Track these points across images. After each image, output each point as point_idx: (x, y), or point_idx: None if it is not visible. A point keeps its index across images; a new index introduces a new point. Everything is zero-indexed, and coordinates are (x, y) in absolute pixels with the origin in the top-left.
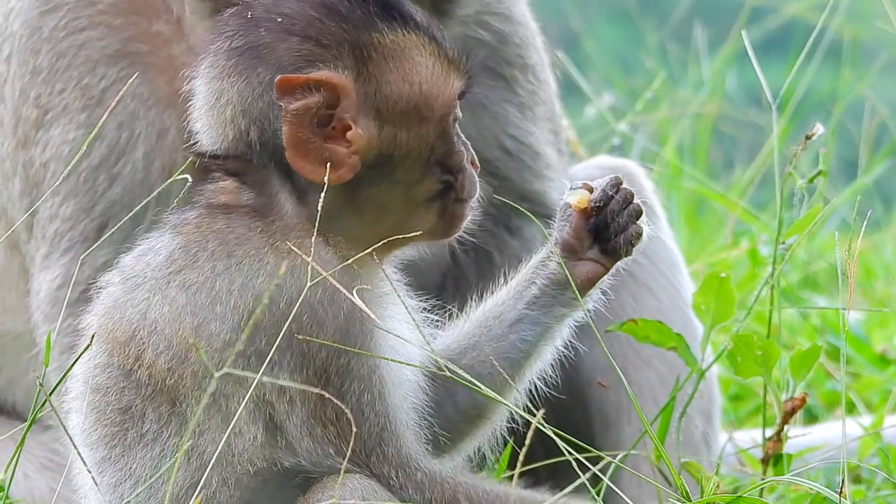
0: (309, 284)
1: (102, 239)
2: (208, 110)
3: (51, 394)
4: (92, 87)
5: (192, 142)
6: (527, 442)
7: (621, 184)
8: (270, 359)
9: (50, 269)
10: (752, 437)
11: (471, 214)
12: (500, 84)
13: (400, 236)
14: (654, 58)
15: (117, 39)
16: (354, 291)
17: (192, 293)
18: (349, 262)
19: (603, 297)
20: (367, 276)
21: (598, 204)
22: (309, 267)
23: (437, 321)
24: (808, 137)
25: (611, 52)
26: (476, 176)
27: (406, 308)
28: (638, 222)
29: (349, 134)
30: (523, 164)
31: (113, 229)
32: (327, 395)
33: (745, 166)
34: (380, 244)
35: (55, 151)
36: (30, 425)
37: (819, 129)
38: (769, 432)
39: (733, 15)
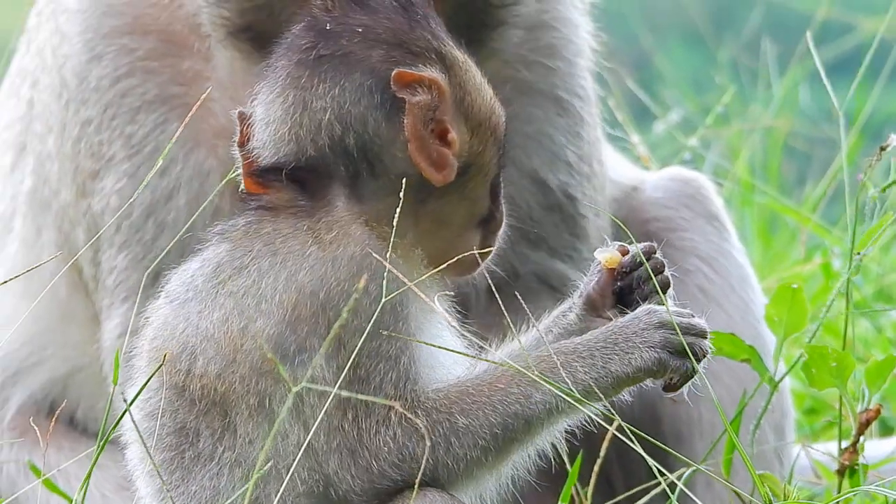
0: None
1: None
2: (284, 121)
3: (122, 415)
4: (133, 136)
5: (249, 155)
6: (602, 452)
7: (654, 252)
8: (309, 347)
9: (111, 318)
10: (826, 449)
11: (495, 248)
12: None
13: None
14: (724, 74)
15: (155, 84)
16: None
17: (240, 296)
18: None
19: None
20: (412, 278)
21: (625, 269)
22: (344, 255)
23: (471, 335)
24: (882, 149)
25: (682, 69)
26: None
27: (444, 314)
28: (664, 295)
29: (449, 136)
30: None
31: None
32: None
33: (817, 181)
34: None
35: (107, 203)
36: (102, 446)
37: (893, 139)
38: (844, 444)
39: (805, 30)
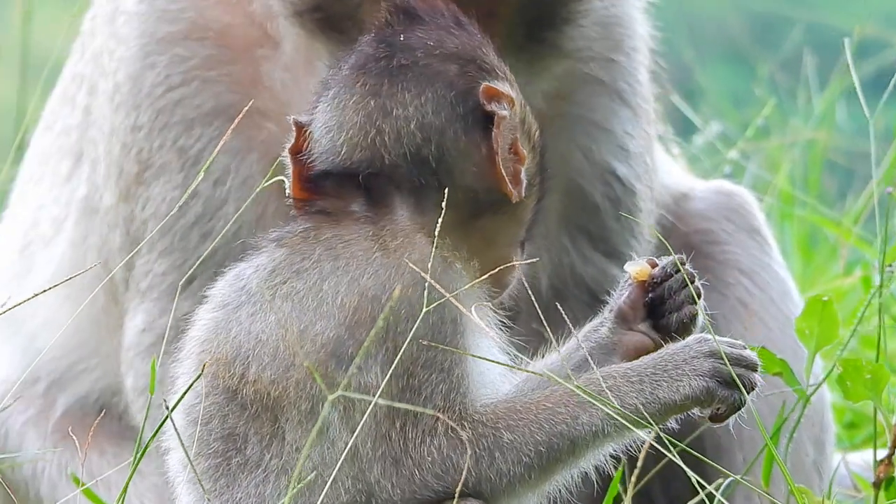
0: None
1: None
2: (362, 127)
3: (163, 421)
4: (188, 148)
5: (303, 161)
6: (639, 463)
7: (684, 263)
8: (366, 352)
9: (135, 316)
10: (864, 459)
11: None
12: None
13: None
14: (764, 88)
15: (211, 95)
16: (455, 294)
17: (299, 299)
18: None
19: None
20: (466, 291)
21: (656, 280)
22: (413, 265)
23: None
24: None
25: (723, 84)
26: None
27: (492, 329)
28: (695, 306)
29: (521, 152)
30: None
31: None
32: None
33: (857, 195)
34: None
35: (154, 210)
36: (142, 454)
37: None
38: (880, 455)
39: (844, 46)
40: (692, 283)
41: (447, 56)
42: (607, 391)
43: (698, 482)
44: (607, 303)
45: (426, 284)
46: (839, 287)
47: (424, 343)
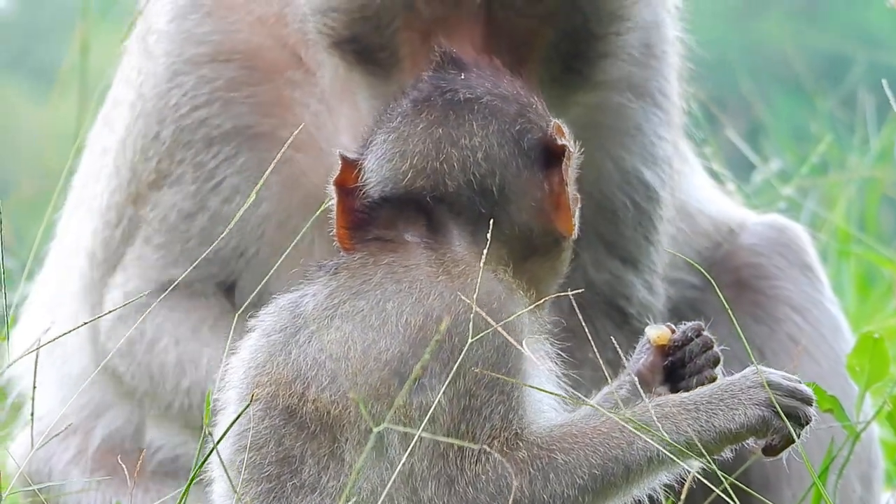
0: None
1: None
2: (426, 155)
3: (211, 451)
4: (205, 164)
5: (352, 191)
6: (683, 494)
7: (703, 329)
8: (429, 372)
9: (115, 286)
10: None
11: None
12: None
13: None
14: (824, 124)
15: (232, 115)
16: (516, 321)
17: (361, 319)
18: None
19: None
20: (525, 318)
21: (676, 343)
22: (477, 289)
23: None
24: None
25: (785, 119)
26: None
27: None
28: (714, 370)
29: (574, 194)
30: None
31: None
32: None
33: None
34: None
35: (163, 214)
36: (188, 485)
37: None
38: None
39: None
40: (712, 348)
41: (506, 98)
42: (664, 418)
43: None
44: (622, 309)
45: (491, 308)
46: (894, 325)
47: (489, 364)
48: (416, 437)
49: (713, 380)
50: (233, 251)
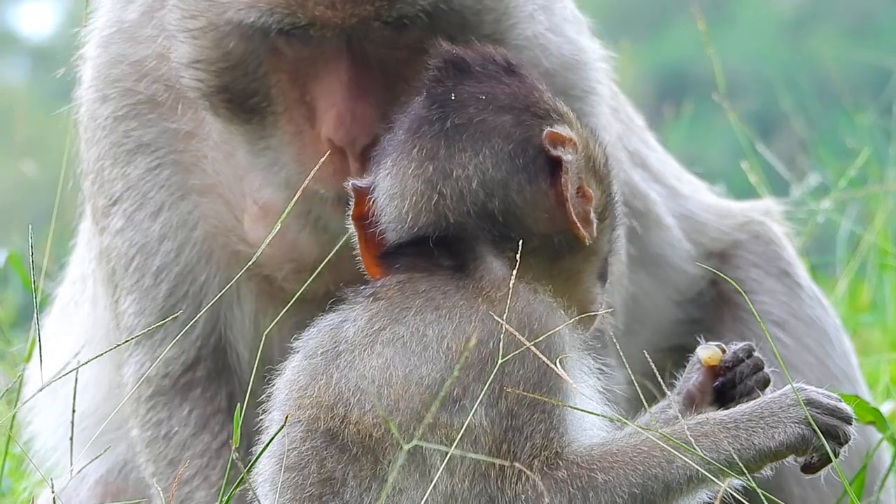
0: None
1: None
2: (423, 193)
3: (248, 468)
4: (129, 176)
5: (371, 229)
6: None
7: (754, 351)
8: (469, 395)
9: (128, 363)
10: None
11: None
12: None
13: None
14: (862, 138)
15: (151, 130)
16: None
17: (401, 345)
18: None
19: None
20: (566, 335)
21: (727, 364)
22: (515, 311)
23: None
24: None
25: (824, 134)
26: None
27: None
28: (764, 392)
29: (588, 193)
30: None
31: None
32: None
33: None
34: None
35: (110, 241)
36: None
37: None
38: None
39: None
40: (761, 369)
41: (501, 107)
42: (703, 436)
43: None
44: None
45: (532, 329)
46: None
47: (530, 385)
48: (448, 455)
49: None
50: (181, 275)
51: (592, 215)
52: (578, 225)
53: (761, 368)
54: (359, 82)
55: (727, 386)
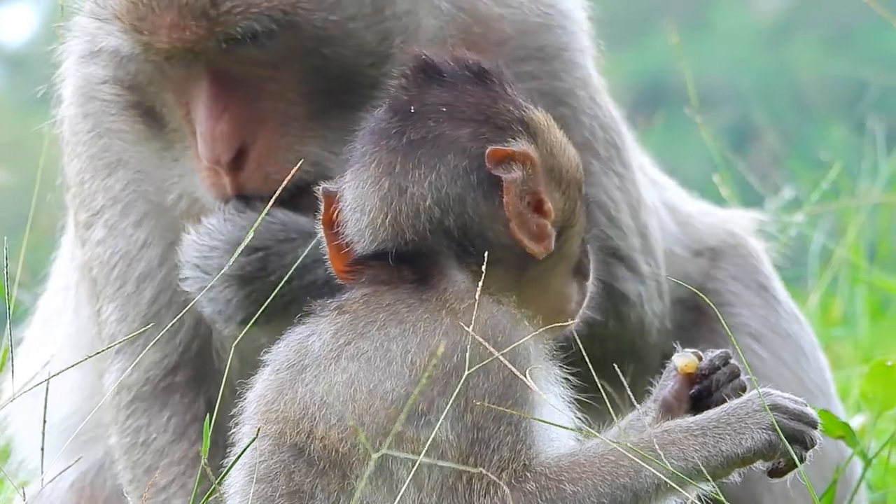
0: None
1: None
2: (381, 209)
3: (220, 480)
4: (111, 188)
5: (338, 239)
6: None
7: (730, 358)
8: (435, 409)
9: (109, 371)
10: None
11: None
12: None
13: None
14: (835, 152)
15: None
16: (522, 351)
17: (366, 360)
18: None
19: None
20: (531, 346)
21: (704, 372)
22: (479, 324)
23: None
24: None
25: (797, 147)
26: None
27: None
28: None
29: (545, 207)
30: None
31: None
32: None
33: None
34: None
35: (92, 252)
36: None
37: None
38: None
39: None
40: (738, 376)
41: (461, 120)
42: (671, 444)
43: None
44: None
45: (496, 341)
46: None
47: (495, 397)
48: (415, 468)
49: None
50: (162, 285)
51: (550, 229)
52: (525, 242)
53: (737, 376)
54: (217, 102)
55: (703, 394)
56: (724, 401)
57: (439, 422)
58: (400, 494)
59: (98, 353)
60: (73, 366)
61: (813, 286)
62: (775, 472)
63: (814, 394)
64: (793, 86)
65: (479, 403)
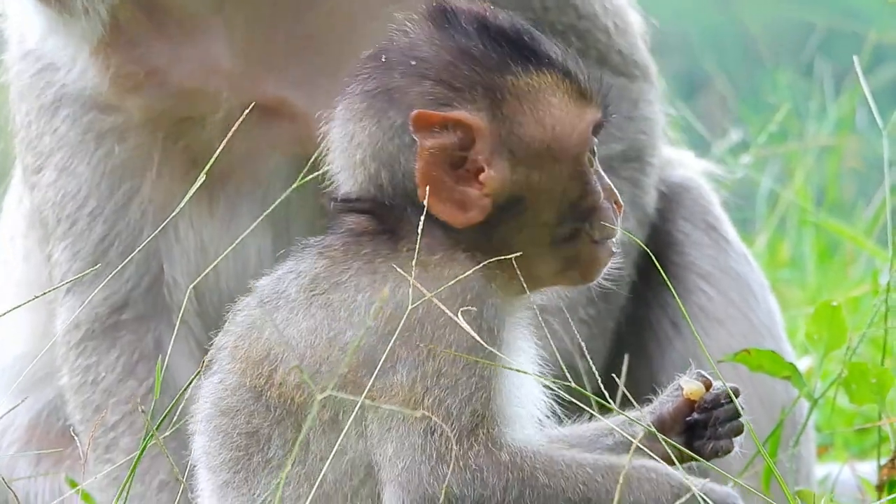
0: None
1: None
2: (341, 153)
3: (158, 425)
4: (58, 128)
5: (328, 183)
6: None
7: (738, 395)
8: (397, 359)
9: (59, 312)
10: (872, 468)
11: (611, 258)
12: None
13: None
14: (783, 94)
15: (71, 87)
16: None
17: (333, 309)
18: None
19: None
20: (507, 304)
21: (706, 405)
22: (447, 278)
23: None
24: None
25: (743, 90)
26: (613, 214)
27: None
28: (734, 439)
29: (482, 176)
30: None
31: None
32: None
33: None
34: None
35: (43, 195)
36: (139, 458)
37: None
38: (884, 460)
39: (860, 51)
40: (738, 417)
41: (421, 77)
42: (647, 482)
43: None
44: None
45: (464, 298)
46: (859, 296)
47: (462, 349)
48: (358, 404)
49: (728, 451)
50: (121, 221)
51: (478, 198)
52: (437, 209)
53: (738, 416)
54: None
55: (699, 424)
56: (717, 438)
57: (379, 365)
58: (340, 440)
59: (48, 291)
60: (24, 304)
61: (760, 229)
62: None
63: (762, 334)
64: (740, 31)
65: (442, 351)
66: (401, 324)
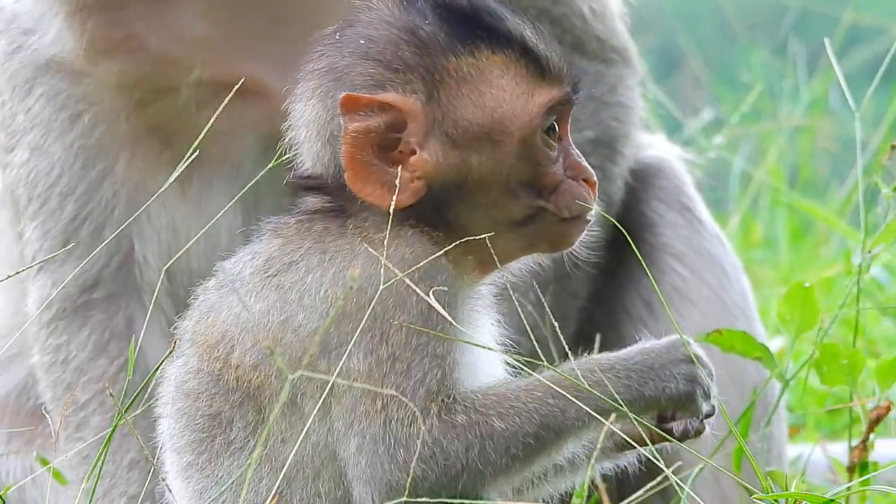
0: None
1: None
2: (296, 130)
3: (130, 405)
4: (31, 107)
5: (290, 158)
6: (599, 445)
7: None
8: (348, 342)
9: (31, 292)
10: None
11: (584, 230)
12: None
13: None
14: (756, 74)
15: (45, 54)
16: (436, 289)
17: (285, 290)
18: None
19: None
20: (460, 279)
21: None
22: (395, 255)
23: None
24: (893, 147)
25: (717, 69)
26: (583, 191)
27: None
28: (705, 421)
29: (413, 159)
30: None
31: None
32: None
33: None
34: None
35: (15, 174)
36: (110, 437)
37: None
38: (855, 441)
39: (834, 33)
40: (710, 398)
41: (364, 57)
42: (596, 384)
43: (666, 465)
44: None
45: (416, 274)
46: (831, 276)
47: (414, 328)
48: (328, 386)
49: (700, 433)
50: (92, 200)
51: (414, 182)
52: (360, 191)
53: (709, 397)
54: None
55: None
56: (692, 418)
57: (347, 351)
58: (308, 426)
59: (20, 271)
60: None
61: (733, 209)
62: (685, 435)
63: (735, 315)
64: (715, 8)
65: (394, 334)
66: (351, 305)
